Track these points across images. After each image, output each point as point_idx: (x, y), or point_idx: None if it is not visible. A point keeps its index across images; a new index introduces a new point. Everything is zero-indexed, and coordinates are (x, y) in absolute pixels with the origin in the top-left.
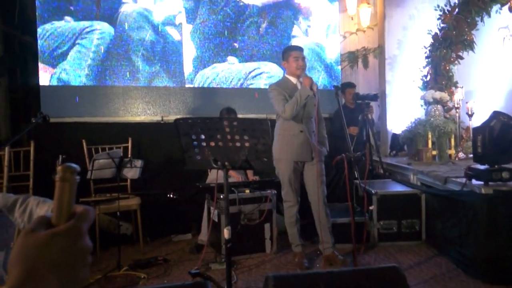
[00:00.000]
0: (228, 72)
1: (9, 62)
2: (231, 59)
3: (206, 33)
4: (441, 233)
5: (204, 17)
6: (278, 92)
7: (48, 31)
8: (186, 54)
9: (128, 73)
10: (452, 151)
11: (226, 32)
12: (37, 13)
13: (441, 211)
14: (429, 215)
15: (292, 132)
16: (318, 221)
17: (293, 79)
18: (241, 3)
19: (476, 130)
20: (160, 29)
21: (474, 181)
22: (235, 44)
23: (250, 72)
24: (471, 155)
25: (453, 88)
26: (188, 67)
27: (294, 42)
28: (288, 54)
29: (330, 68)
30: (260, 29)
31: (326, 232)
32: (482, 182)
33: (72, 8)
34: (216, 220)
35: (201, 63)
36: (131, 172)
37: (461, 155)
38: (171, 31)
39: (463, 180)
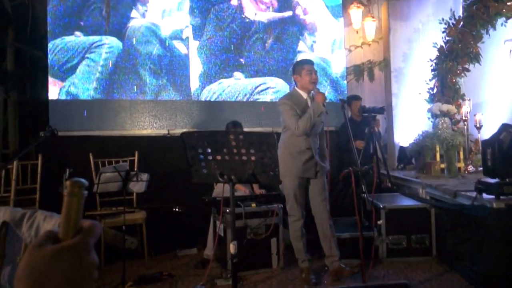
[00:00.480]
0: (234, 87)
1: (20, 77)
2: (237, 74)
3: (212, 49)
4: (452, 248)
5: (210, 34)
6: (290, 107)
7: (58, 46)
8: (193, 70)
9: (135, 86)
10: (461, 164)
11: (232, 48)
12: (48, 29)
13: (451, 226)
14: (439, 230)
15: (299, 148)
16: (323, 234)
17: (303, 94)
18: (247, 20)
19: (485, 143)
20: (167, 43)
21: (485, 195)
22: (241, 60)
23: (256, 87)
24: (481, 168)
25: (460, 100)
26: (194, 83)
27: (299, 57)
28: (301, 67)
29: (336, 82)
30: (266, 44)
31: (332, 245)
32: (493, 196)
33: (82, 23)
34: (222, 234)
35: (208, 78)
36: (137, 186)
37: (470, 168)
38: (178, 45)
39: (473, 194)
